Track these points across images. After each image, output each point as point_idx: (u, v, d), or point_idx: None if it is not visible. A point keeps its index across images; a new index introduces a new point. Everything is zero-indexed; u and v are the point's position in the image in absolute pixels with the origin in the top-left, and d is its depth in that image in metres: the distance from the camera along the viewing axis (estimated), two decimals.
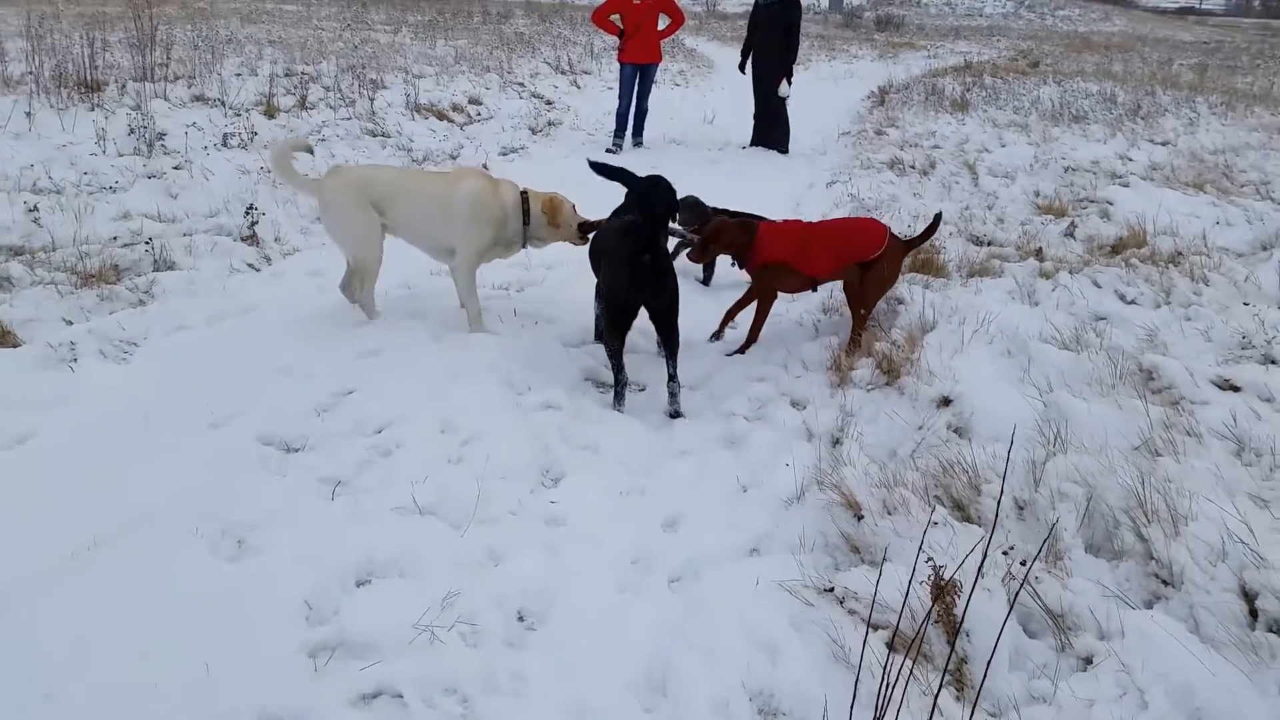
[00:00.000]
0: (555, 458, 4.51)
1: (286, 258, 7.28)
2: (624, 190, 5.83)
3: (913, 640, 2.92)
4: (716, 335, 6.18)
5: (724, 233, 5.88)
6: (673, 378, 5.14)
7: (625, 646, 3.31)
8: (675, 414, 5.13)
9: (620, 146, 12.75)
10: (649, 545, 3.93)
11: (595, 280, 5.73)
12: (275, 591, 3.35)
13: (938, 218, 5.85)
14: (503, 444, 4.52)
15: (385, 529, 3.76)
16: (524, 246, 6.03)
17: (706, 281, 7.37)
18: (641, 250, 4.97)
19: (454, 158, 10.48)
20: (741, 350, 5.95)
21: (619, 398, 5.11)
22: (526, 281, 6.89)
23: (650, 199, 5.39)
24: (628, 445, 4.72)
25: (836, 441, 4.62)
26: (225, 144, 9.88)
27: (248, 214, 7.42)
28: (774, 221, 6.14)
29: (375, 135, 11.16)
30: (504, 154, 11.45)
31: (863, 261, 5.70)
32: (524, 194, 5.90)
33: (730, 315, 6.22)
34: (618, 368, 5.12)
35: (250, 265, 6.99)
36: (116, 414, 4.55)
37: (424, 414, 4.68)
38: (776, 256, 5.78)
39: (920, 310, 5.85)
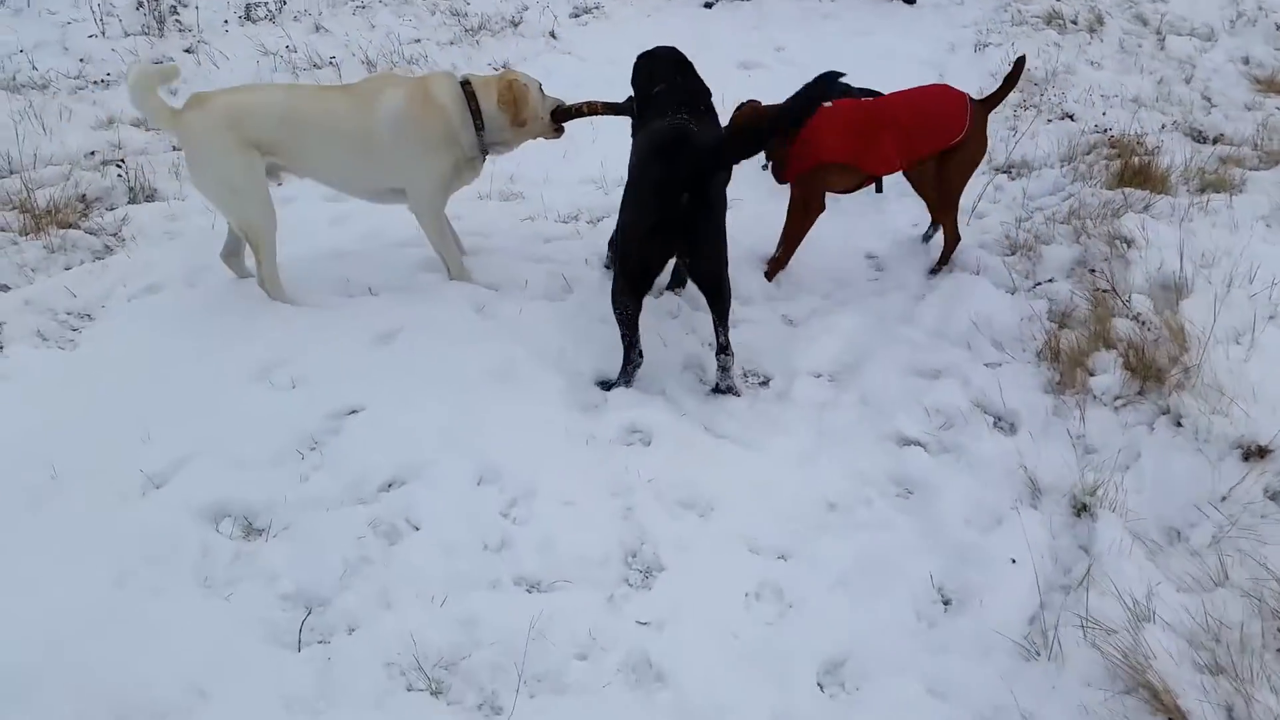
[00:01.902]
0: (645, 530, 2.91)
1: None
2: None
3: None
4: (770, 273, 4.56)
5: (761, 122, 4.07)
6: (724, 348, 3.60)
7: None
8: (728, 389, 3.63)
9: None
10: None
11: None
12: None
13: (1020, 63, 4.31)
14: (566, 511, 2.93)
15: None
16: (484, 159, 4.19)
17: (878, 189, 5.32)
18: (679, 184, 3.28)
19: (515, 24, 8.54)
20: (768, 275, 4.42)
21: (624, 377, 3.61)
22: (603, 209, 5.12)
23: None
24: (752, 497, 3.09)
25: (1082, 508, 2.91)
26: (249, 16, 8.13)
27: None
28: (824, 105, 4.24)
29: None
30: (575, 15, 9.40)
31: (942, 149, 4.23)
32: (466, 86, 4.02)
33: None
34: (628, 339, 3.57)
35: None
36: (15, 464, 3.05)
37: (453, 454, 3.11)
38: (833, 154, 4.13)
39: (1161, 258, 3.97)
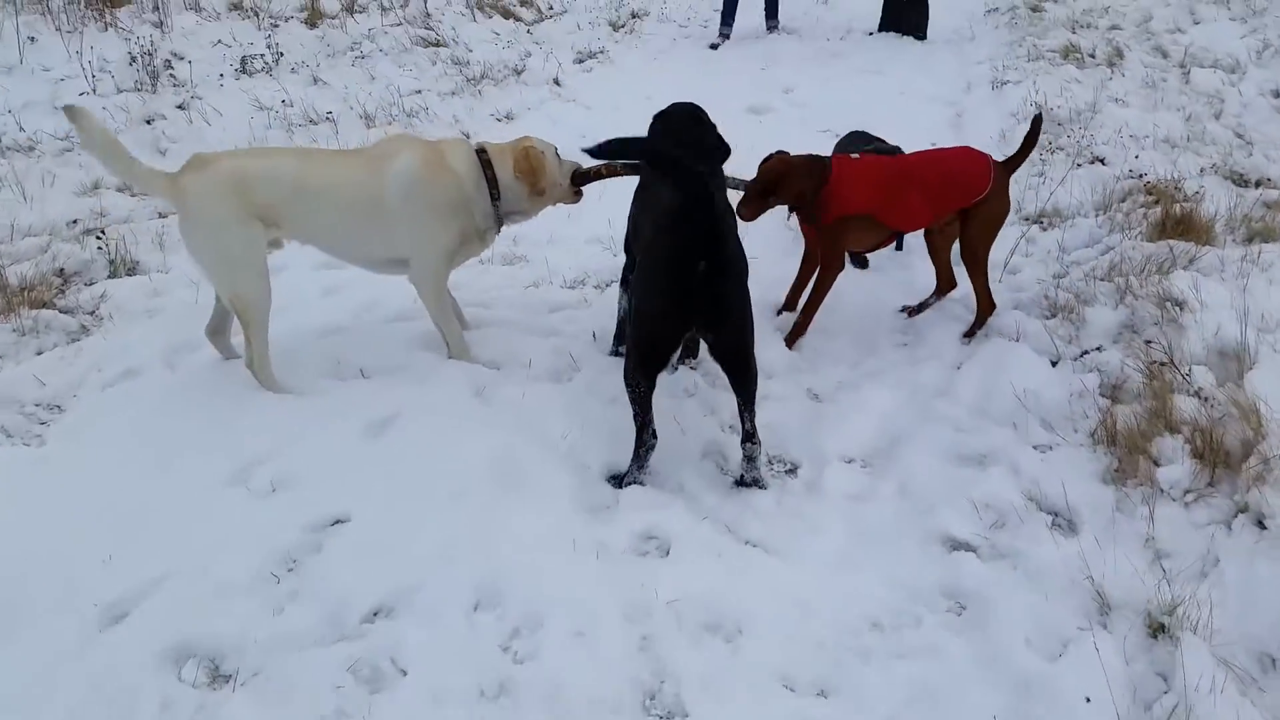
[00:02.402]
0: (665, 664, 2.54)
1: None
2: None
3: None
4: (786, 308, 4.45)
5: (790, 176, 3.88)
6: (750, 436, 3.24)
7: None
8: (753, 481, 3.27)
9: (727, 37, 10.20)
10: None
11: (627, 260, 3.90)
12: None
13: (1037, 121, 4.13)
14: (575, 643, 2.57)
15: None
16: (499, 229, 3.93)
17: (899, 246, 4.92)
18: (694, 250, 2.96)
19: (518, 73, 8.29)
20: (789, 342, 4.15)
21: (637, 461, 3.26)
22: (611, 272, 4.78)
23: (684, 152, 3.35)
24: (785, 616, 2.72)
25: (1159, 628, 2.53)
26: (244, 69, 7.90)
27: None
28: (848, 158, 4.07)
29: (427, 45, 8.99)
30: (579, 61, 9.17)
31: (965, 207, 4.04)
32: (482, 154, 3.75)
33: (798, 291, 4.39)
34: (641, 420, 3.24)
35: None
36: None
37: (448, 572, 2.76)
38: (857, 206, 3.94)
39: (1218, 322, 3.61)
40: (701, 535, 2.99)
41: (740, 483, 3.29)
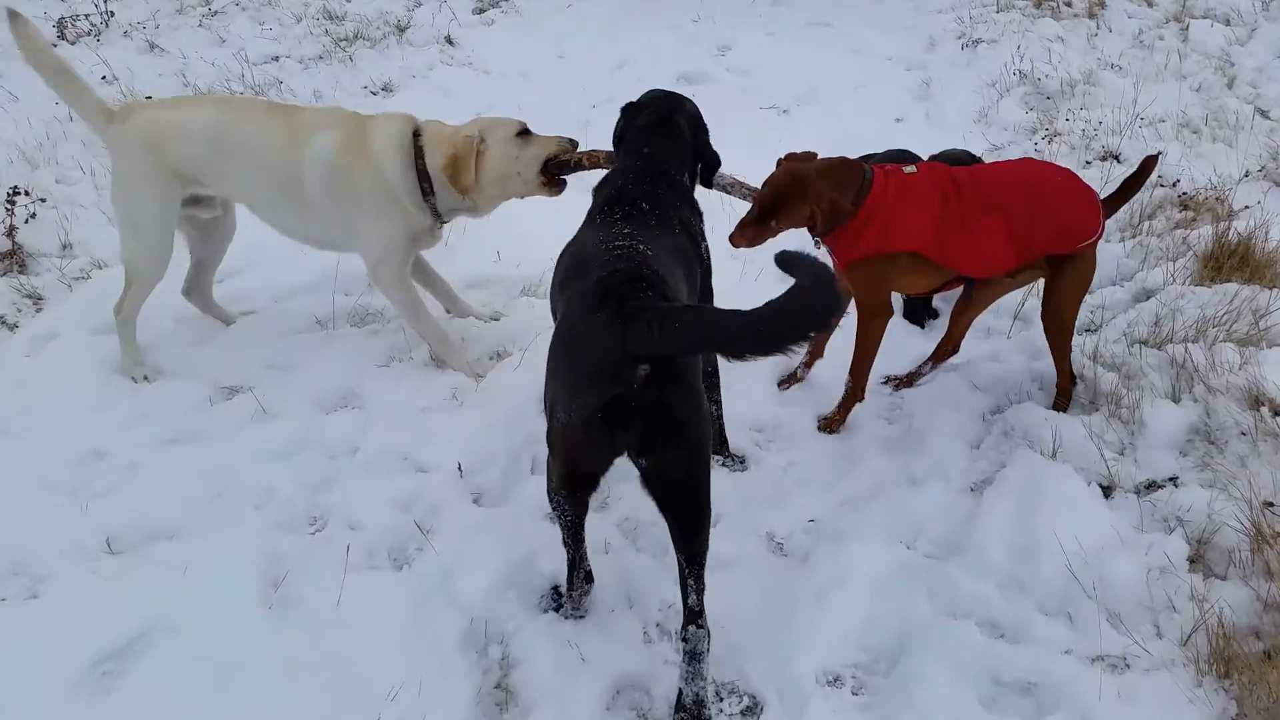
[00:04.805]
0: None
1: (80, 284, 3.89)
2: None
3: None
4: (787, 381, 3.38)
5: (805, 188, 2.71)
6: (694, 616, 2.12)
7: None
8: (695, 705, 2.11)
9: None
10: None
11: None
12: None
13: (1149, 163, 2.92)
14: None
15: None
16: (442, 222, 3.20)
17: (921, 320, 3.72)
18: (637, 349, 1.82)
19: (402, 30, 6.74)
20: (830, 426, 3.11)
21: (571, 601, 2.39)
22: (495, 339, 3.48)
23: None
24: None
25: None
26: (63, 34, 6.29)
27: (10, 200, 4.00)
28: (897, 170, 2.82)
29: None
30: (479, 11, 7.61)
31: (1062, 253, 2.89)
32: (416, 137, 3.06)
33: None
34: (571, 554, 2.35)
35: None
36: None
37: None
38: (902, 241, 2.77)
39: None
40: None
41: (687, 709, 2.10)
